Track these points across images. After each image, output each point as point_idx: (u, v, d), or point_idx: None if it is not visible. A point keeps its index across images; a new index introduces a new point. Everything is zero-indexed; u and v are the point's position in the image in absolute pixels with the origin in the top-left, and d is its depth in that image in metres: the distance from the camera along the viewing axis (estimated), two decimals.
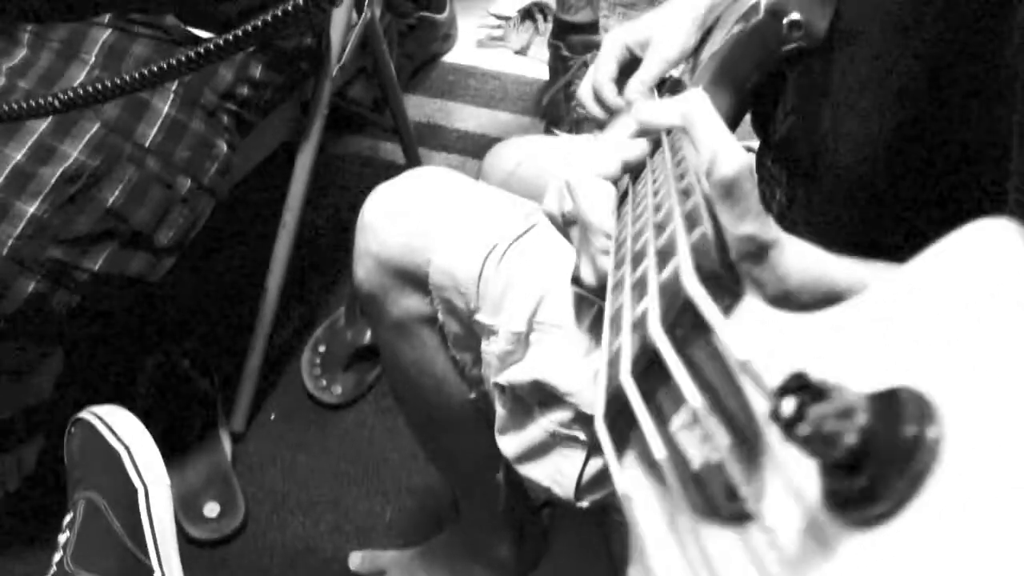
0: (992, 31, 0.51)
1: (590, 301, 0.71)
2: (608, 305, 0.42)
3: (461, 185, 0.87)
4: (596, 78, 0.80)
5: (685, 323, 0.33)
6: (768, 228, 0.42)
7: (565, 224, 0.59)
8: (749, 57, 0.66)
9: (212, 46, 0.66)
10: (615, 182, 0.55)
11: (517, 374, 0.75)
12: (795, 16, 0.61)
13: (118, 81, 0.68)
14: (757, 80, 0.67)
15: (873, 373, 0.26)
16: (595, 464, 0.74)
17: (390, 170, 0.95)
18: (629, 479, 0.32)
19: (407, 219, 0.84)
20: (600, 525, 1.00)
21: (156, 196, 1.06)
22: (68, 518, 0.93)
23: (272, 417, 1.39)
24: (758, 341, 0.31)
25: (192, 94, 1.09)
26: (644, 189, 0.50)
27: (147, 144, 1.05)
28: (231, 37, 0.69)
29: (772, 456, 0.28)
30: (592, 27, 1.73)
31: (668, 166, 0.48)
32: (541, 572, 1.14)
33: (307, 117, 1.32)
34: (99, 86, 0.69)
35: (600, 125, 0.81)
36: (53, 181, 0.98)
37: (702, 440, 0.30)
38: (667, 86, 0.77)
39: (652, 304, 0.35)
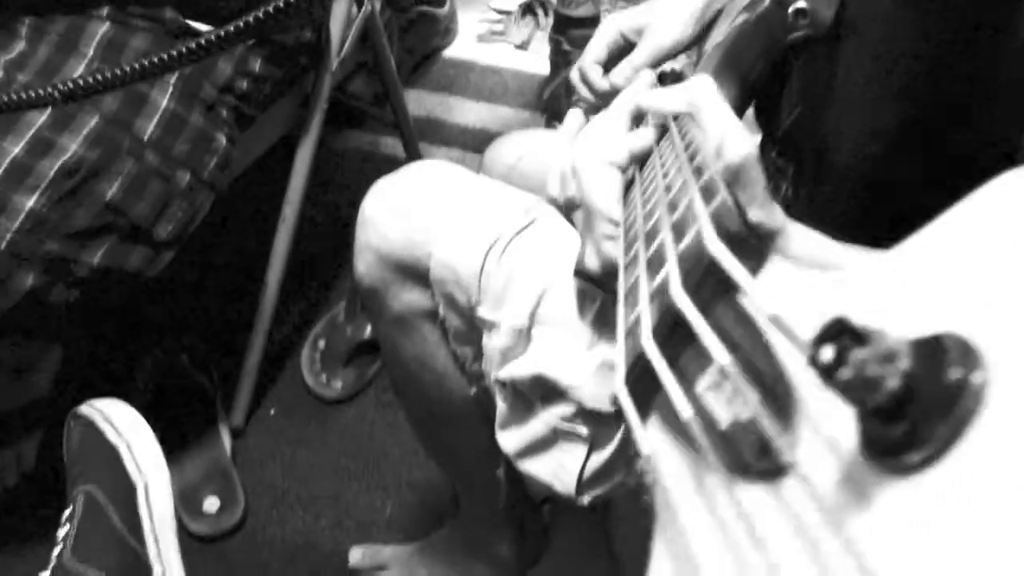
0: (995, 28, 0.51)
1: (592, 295, 0.71)
2: (621, 284, 0.41)
3: (462, 179, 0.86)
4: (584, 61, 0.80)
5: (708, 287, 0.33)
6: (775, 215, 0.42)
7: (568, 209, 0.58)
8: (754, 46, 0.66)
9: (211, 39, 0.65)
10: (622, 171, 0.55)
11: (518, 369, 0.74)
12: (801, 4, 0.61)
13: (118, 72, 0.68)
14: (762, 70, 0.67)
15: (913, 321, 0.25)
16: (596, 459, 0.74)
17: (390, 165, 0.94)
18: (653, 440, 0.32)
19: (408, 213, 0.83)
20: (601, 521, 1.00)
21: (155, 190, 1.05)
22: (67, 512, 0.93)
23: (272, 412, 1.39)
24: (788, 297, 0.31)
25: (191, 88, 1.08)
26: (652, 173, 0.50)
27: (146, 138, 1.05)
28: (230, 30, 0.69)
29: (805, 409, 0.27)
30: (593, 21, 1.73)
31: (678, 148, 0.48)
32: (542, 568, 1.14)
33: (307, 111, 1.31)
34: (98, 77, 0.68)
35: (593, 108, 0.81)
36: (52, 174, 0.98)
37: (729, 400, 0.30)
38: (669, 78, 0.77)
39: (673, 272, 0.34)
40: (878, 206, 0.61)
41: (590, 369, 0.71)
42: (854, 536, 0.24)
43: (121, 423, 0.96)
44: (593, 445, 0.73)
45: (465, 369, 0.87)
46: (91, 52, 1.04)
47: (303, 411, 1.39)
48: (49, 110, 0.99)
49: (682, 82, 0.75)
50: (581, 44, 1.72)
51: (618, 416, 0.34)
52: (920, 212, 0.58)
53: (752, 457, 0.28)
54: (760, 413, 0.28)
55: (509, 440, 0.76)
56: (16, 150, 0.98)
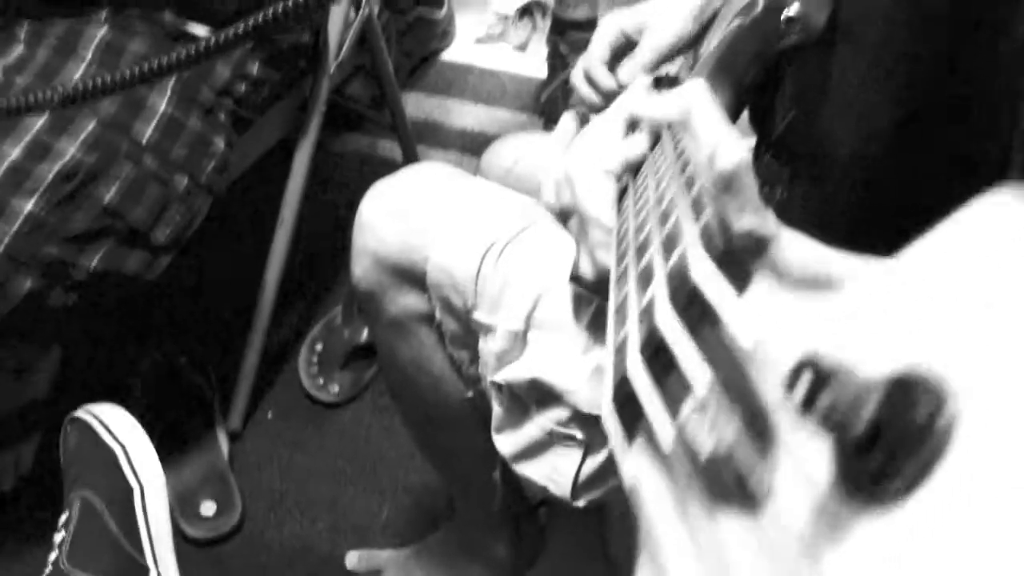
0: (993, 29, 0.51)
1: (588, 299, 0.71)
2: (612, 297, 0.42)
3: (459, 182, 0.86)
4: (588, 60, 0.80)
5: (693, 310, 0.33)
6: (767, 223, 0.42)
7: (563, 216, 0.58)
8: (748, 51, 0.66)
9: (210, 43, 0.66)
10: (616, 178, 0.55)
11: (514, 372, 0.75)
12: (793, 11, 0.61)
13: (116, 76, 0.68)
14: (756, 75, 0.67)
15: (887, 355, 0.25)
16: (592, 463, 0.74)
17: (388, 167, 0.94)
18: (637, 465, 0.32)
19: (405, 217, 0.83)
20: (597, 524, 1.00)
21: (153, 194, 1.05)
22: (64, 517, 0.93)
23: (269, 416, 1.39)
24: (769, 325, 0.31)
25: (189, 91, 1.08)
26: (645, 182, 0.50)
27: (144, 142, 1.05)
28: (229, 34, 0.69)
29: (782, 441, 0.27)
30: (591, 24, 1.72)
31: (670, 158, 0.48)
32: (538, 571, 1.14)
33: (305, 114, 1.31)
34: (97, 81, 0.68)
35: (594, 109, 0.81)
36: (50, 178, 0.98)
37: (711, 427, 0.30)
38: (664, 83, 0.77)
39: (659, 291, 0.35)
40: (875, 207, 0.61)
41: (585, 373, 0.71)
42: (828, 570, 0.24)
43: (117, 428, 0.97)
44: (588, 449, 0.73)
45: (461, 373, 0.87)
46: (90, 55, 1.05)
47: (300, 414, 1.39)
48: (47, 114, 0.99)
49: (677, 87, 0.75)
50: (579, 47, 1.72)
51: None
52: (918, 212, 0.58)
53: (733, 486, 0.28)
54: (739, 442, 0.28)
55: (505, 443, 0.77)
56: (14, 154, 0.98)
